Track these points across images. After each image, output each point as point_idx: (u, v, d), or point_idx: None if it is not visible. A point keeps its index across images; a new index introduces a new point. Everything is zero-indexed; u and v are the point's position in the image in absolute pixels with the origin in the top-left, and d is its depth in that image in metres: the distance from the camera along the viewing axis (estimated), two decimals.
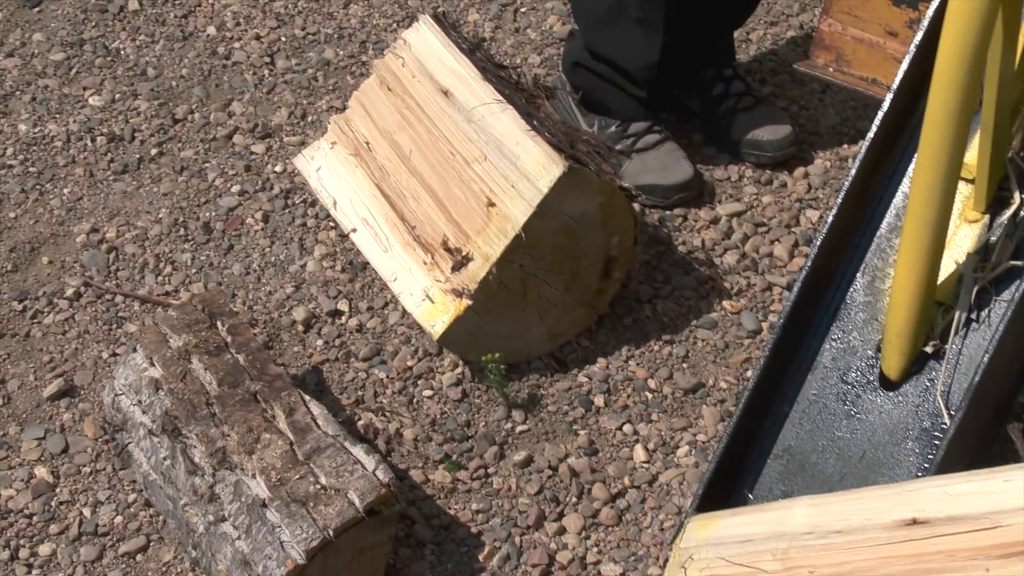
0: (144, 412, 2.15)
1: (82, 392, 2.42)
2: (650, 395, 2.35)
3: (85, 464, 2.30)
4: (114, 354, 2.48)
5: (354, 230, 2.40)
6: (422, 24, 2.46)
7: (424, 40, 2.43)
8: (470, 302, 2.22)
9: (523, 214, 2.18)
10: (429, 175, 2.33)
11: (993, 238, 1.89)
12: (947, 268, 1.87)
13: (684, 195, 2.65)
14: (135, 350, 2.24)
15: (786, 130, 2.69)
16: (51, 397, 2.41)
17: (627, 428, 2.30)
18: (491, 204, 2.22)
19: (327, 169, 2.48)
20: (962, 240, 1.91)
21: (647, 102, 2.70)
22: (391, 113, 2.43)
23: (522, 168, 2.20)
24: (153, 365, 2.20)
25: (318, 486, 1.95)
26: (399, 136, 2.40)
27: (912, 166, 1.94)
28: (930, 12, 1.88)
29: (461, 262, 2.23)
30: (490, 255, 2.21)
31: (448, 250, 2.26)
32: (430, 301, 2.26)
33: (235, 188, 2.79)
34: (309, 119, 2.95)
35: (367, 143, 2.44)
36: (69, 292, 2.59)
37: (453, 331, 2.25)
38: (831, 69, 2.56)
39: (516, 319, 2.32)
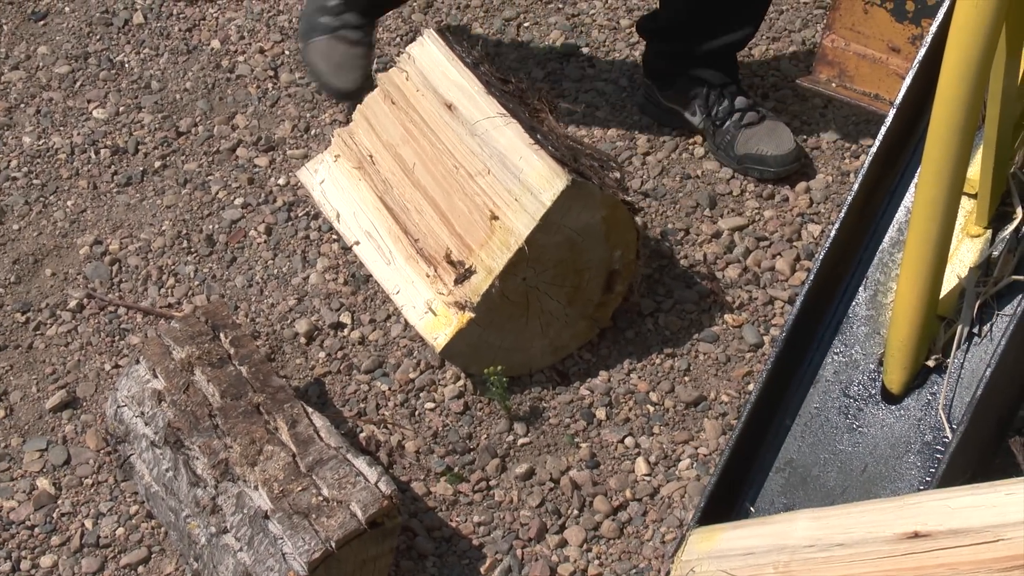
0: (146, 424, 2.15)
1: (84, 404, 2.43)
2: (652, 408, 2.35)
3: (87, 476, 2.30)
4: (117, 366, 2.48)
5: (357, 243, 2.41)
6: (426, 38, 2.47)
7: (428, 54, 2.43)
8: (473, 315, 2.23)
9: (526, 227, 2.19)
10: (432, 188, 2.34)
11: (995, 253, 1.89)
12: (949, 282, 1.87)
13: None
14: (138, 362, 2.25)
15: (790, 145, 2.70)
16: (53, 409, 2.41)
17: (629, 441, 2.30)
18: (494, 217, 2.23)
19: (330, 182, 2.49)
20: (964, 255, 1.91)
21: None
22: (395, 126, 2.43)
23: (525, 182, 2.21)
24: (156, 377, 2.20)
25: (320, 498, 1.95)
26: (402, 149, 2.40)
27: (915, 181, 1.95)
28: (933, 28, 1.89)
29: (464, 275, 2.24)
30: (493, 268, 2.21)
31: (451, 263, 2.26)
32: (433, 314, 2.26)
33: (238, 201, 2.79)
34: (312, 132, 2.95)
35: (370, 156, 2.45)
36: (72, 304, 2.59)
37: (455, 344, 2.25)
38: (834, 84, 2.57)
39: (518, 332, 2.33)
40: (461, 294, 2.23)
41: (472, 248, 2.25)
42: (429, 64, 2.42)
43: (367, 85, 2.74)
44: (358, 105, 2.52)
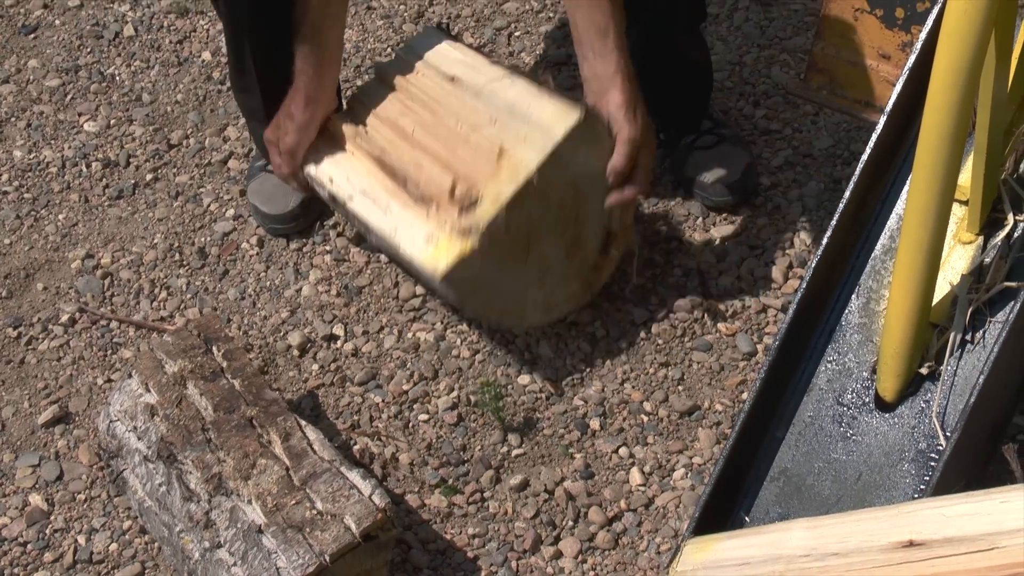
0: (139, 438, 2.15)
1: (77, 419, 2.42)
2: (646, 418, 2.35)
3: (80, 491, 2.30)
4: (109, 380, 2.48)
5: (351, 197, 2.36)
6: (425, 32, 2.47)
7: (428, 43, 2.43)
8: (476, 244, 2.17)
9: (536, 157, 2.17)
10: (434, 146, 2.29)
11: (987, 259, 1.89)
12: (942, 289, 1.87)
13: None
14: (130, 376, 2.24)
15: (734, 177, 2.63)
16: (45, 424, 2.40)
17: (623, 451, 2.30)
18: (502, 154, 2.20)
19: (323, 154, 2.44)
20: (956, 261, 1.91)
21: None
22: (392, 104, 2.40)
23: (536, 120, 2.19)
24: (148, 391, 2.19)
25: (314, 511, 1.94)
26: (401, 121, 2.37)
27: (906, 188, 1.95)
28: (923, 35, 1.89)
29: (469, 205, 2.20)
30: (500, 196, 2.18)
31: (455, 197, 2.22)
32: (434, 244, 2.20)
33: (230, 213, 2.79)
34: None
35: (366, 130, 2.41)
36: (64, 318, 2.59)
37: (457, 270, 2.18)
38: (824, 92, 2.56)
39: (517, 275, 2.29)
40: (465, 222, 2.19)
41: (478, 182, 2.22)
42: (429, 50, 2.41)
43: (305, 215, 2.71)
44: (351, 91, 2.48)
